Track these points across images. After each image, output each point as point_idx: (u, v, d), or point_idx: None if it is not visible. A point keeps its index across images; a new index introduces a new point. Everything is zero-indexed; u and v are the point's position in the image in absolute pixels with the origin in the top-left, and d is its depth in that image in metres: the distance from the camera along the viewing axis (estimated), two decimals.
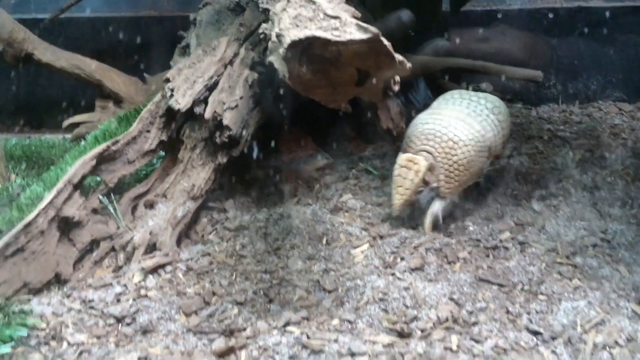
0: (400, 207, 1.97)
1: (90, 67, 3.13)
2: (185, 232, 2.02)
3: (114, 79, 3.18)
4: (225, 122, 2.10)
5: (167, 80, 2.23)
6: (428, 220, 2.00)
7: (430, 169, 1.94)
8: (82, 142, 2.50)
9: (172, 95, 2.12)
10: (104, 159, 1.96)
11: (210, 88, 2.18)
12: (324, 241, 1.97)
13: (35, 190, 1.97)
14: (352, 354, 1.42)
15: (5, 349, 1.35)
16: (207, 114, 2.09)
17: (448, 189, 1.97)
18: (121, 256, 1.83)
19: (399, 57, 1.46)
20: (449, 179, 1.96)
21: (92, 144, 2.45)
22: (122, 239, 1.88)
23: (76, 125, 3.14)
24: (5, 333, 1.38)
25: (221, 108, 2.12)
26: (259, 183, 2.35)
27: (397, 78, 1.61)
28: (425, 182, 1.95)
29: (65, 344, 1.45)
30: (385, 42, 1.42)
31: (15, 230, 1.57)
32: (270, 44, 1.68)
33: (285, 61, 1.46)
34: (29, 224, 1.60)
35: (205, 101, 2.15)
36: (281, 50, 1.45)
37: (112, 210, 1.94)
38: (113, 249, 1.86)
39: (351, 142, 2.80)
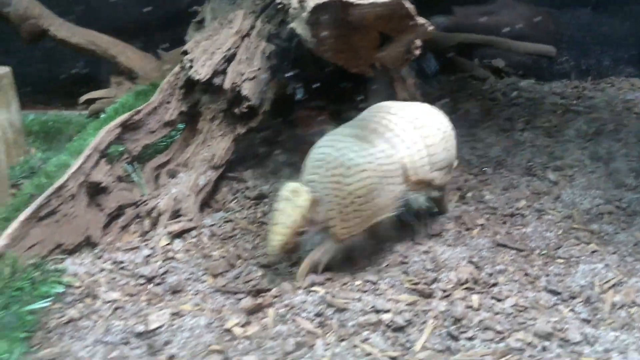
0: (278, 250, 1.51)
1: (105, 42, 3.15)
2: (207, 201, 2.05)
3: (128, 55, 3.20)
4: (244, 92, 2.13)
5: (185, 53, 2.25)
6: (303, 267, 1.57)
7: (315, 203, 1.49)
8: (102, 115, 2.53)
9: (191, 67, 2.15)
10: (127, 128, 2.00)
11: (228, 59, 2.20)
12: None
13: (62, 158, 2.01)
14: (377, 311, 1.46)
15: (44, 304, 1.40)
16: (226, 84, 2.11)
17: (343, 229, 1.52)
18: (147, 222, 1.87)
19: (420, 19, 1.48)
20: (344, 216, 1.50)
21: (112, 117, 2.49)
22: (147, 206, 1.91)
23: (92, 101, 3.18)
24: (42, 289, 1.43)
25: (240, 79, 2.15)
26: (276, 154, 2.38)
27: (418, 42, 1.63)
28: (310, 221, 1.52)
29: (99, 301, 1.50)
30: (407, 4, 1.44)
31: (48, 192, 1.61)
32: (291, 10, 1.70)
33: (308, 26, 1.48)
34: (60, 188, 1.64)
35: (223, 72, 2.17)
36: (304, 15, 1.48)
37: (136, 178, 1.98)
38: (138, 215, 1.90)
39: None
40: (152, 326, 1.40)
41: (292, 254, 1.62)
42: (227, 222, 1.94)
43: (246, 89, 2.13)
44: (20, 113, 2.78)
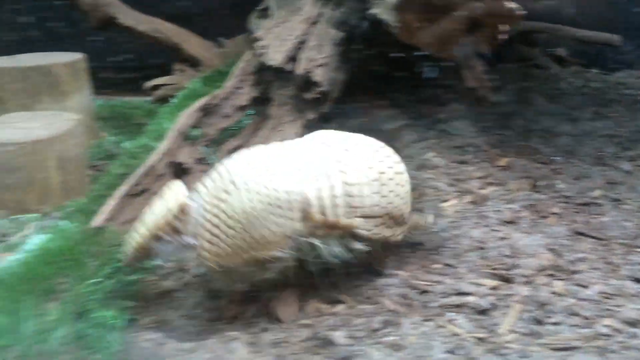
0: (133, 254, 1.36)
1: (169, 30, 3.24)
2: None
3: (191, 42, 3.28)
4: (316, 78, 2.16)
5: (256, 40, 2.30)
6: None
7: (184, 211, 1.32)
8: (173, 100, 2.61)
9: (264, 53, 2.19)
10: (205, 112, 2.06)
11: (299, 46, 2.24)
12: (415, 195, 2.02)
13: (142, 141, 2.10)
14: (460, 294, 1.48)
15: (141, 275, 1.47)
16: (299, 70, 2.15)
17: (211, 253, 1.31)
18: None
19: (510, 4, 1.47)
20: (214, 238, 1.30)
21: (182, 103, 2.58)
22: None
23: (157, 87, 3.27)
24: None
25: (311, 65, 2.19)
26: None
27: (505, 27, 1.63)
28: (174, 230, 1.32)
29: (189, 275, 1.57)
30: None
31: (140, 172, 1.69)
32: None
33: (396, 11, 1.50)
34: (151, 167, 1.71)
35: (294, 59, 2.21)
36: (393, 0, 1.49)
37: (213, 160, 2.05)
38: None
39: (425, 103, 2.83)
40: None
41: (142, 261, 1.41)
42: None
43: (318, 75, 2.16)
44: (93, 98, 2.91)
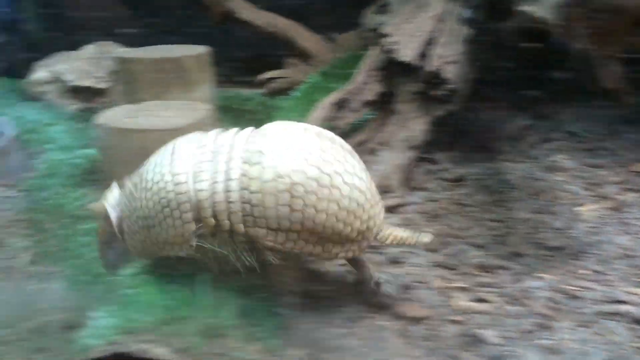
0: (102, 259, 1.45)
1: (284, 25, 3.34)
2: (406, 180, 2.12)
3: (304, 36, 3.36)
4: (447, 75, 2.15)
5: (384, 35, 2.32)
6: None
7: (103, 216, 1.39)
8: (295, 93, 2.70)
9: (394, 49, 2.21)
10: (336, 106, 2.11)
11: (429, 43, 2.24)
12: (546, 197, 1.98)
13: None
14: (615, 302, 1.44)
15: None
16: (430, 67, 2.15)
17: (131, 246, 1.38)
18: None
19: None
20: (130, 233, 1.36)
21: (305, 96, 2.66)
22: None
23: (269, 80, 3.38)
24: None
25: (441, 62, 2.18)
26: (464, 138, 2.39)
27: None
28: (110, 235, 1.40)
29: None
30: None
31: None
32: None
33: (559, 9, 1.46)
34: None
35: (424, 55, 2.21)
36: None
37: None
38: None
39: (548, 103, 2.73)
40: None
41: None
42: (430, 201, 1.99)
43: (448, 72, 2.15)
44: (215, 89, 3.05)
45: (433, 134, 2.34)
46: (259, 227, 1.25)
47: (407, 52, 2.16)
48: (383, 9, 2.94)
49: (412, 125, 2.21)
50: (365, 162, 2.12)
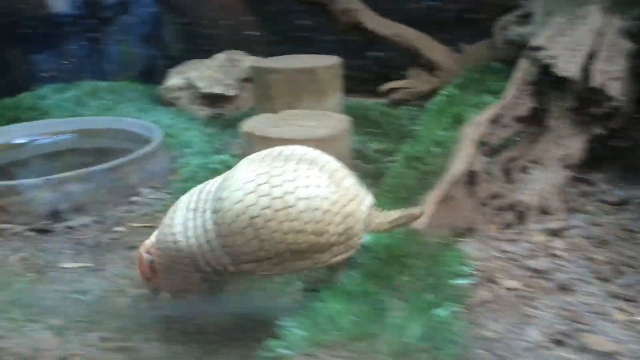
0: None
1: (410, 35, 3.32)
2: (562, 200, 2.02)
3: (430, 47, 3.32)
4: (611, 92, 2.03)
5: (537, 48, 2.23)
6: None
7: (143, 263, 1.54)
8: (431, 106, 2.67)
9: (553, 64, 2.11)
10: (492, 122, 2.06)
11: (590, 57, 2.12)
12: None
13: (416, 147, 2.18)
14: None
15: (462, 281, 1.51)
16: (594, 83, 2.04)
17: (165, 287, 1.58)
18: (509, 214, 1.91)
19: None
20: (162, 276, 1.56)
21: (438, 107, 2.63)
22: (505, 199, 1.96)
23: (392, 90, 3.38)
24: (454, 268, 1.54)
25: (606, 78, 2.06)
26: (622, 159, 2.24)
27: None
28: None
29: (499, 287, 1.57)
30: None
31: (449, 178, 1.74)
32: None
33: None
34: (455, 174, 1.76)
35: (584, 70, 2.10)
36: None
37: (493, 171, 2.04)
38: (500, 207, 1.95)
39: None
40: None
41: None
42: (594, 225, 1.88)
43: (613, 89, 2.02)
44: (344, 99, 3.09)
45: (587, 152, 2.22)
46: (244, 264, 1.36)
47: (568, 67, 2.06)
48: (524, 19, 2.85)
49: (567, 143, 2.10)
50: (517, 180, 2.08)
